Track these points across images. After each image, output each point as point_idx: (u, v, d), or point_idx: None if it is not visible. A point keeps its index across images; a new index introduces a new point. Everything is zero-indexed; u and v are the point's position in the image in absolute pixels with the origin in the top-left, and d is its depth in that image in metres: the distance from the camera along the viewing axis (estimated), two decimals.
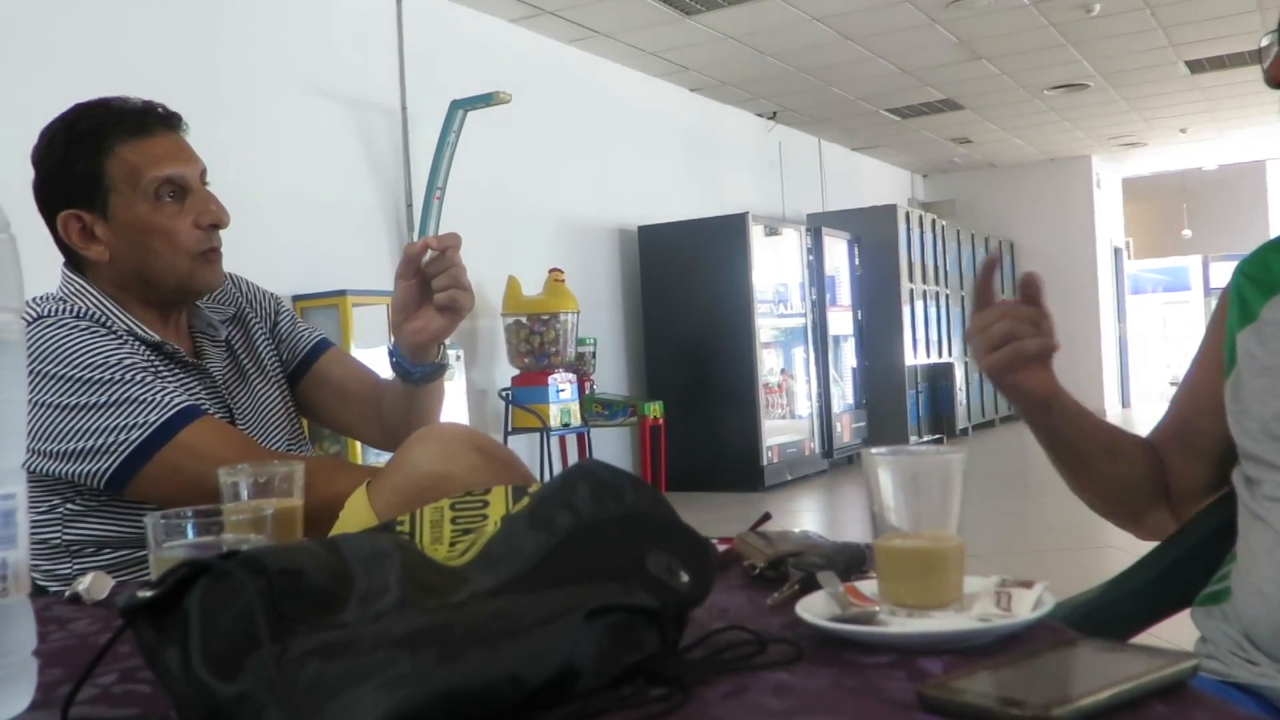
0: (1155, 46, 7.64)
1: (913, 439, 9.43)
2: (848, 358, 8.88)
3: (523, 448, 5.97)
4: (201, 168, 1.52)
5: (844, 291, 8.92)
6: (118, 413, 1.33)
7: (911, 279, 9.77)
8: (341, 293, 4.82)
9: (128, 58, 4.28)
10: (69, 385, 1.33)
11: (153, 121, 1.47)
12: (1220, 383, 1.20)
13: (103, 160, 1.42)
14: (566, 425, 5.88)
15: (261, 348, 1.67)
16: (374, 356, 4.95)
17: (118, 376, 1.35)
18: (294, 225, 4.93)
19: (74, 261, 1.50)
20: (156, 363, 1.45)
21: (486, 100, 5.22)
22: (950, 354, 10.59)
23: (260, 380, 1.64)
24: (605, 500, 0.80)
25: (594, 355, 6.56)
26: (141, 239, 1.45)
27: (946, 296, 10.67)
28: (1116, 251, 13.63)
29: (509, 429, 5.80)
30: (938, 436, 10.10)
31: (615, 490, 0.81)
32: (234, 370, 1.60)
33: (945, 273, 10.70)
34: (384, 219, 5.43)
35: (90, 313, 1.44)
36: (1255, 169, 14.02)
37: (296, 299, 4.88)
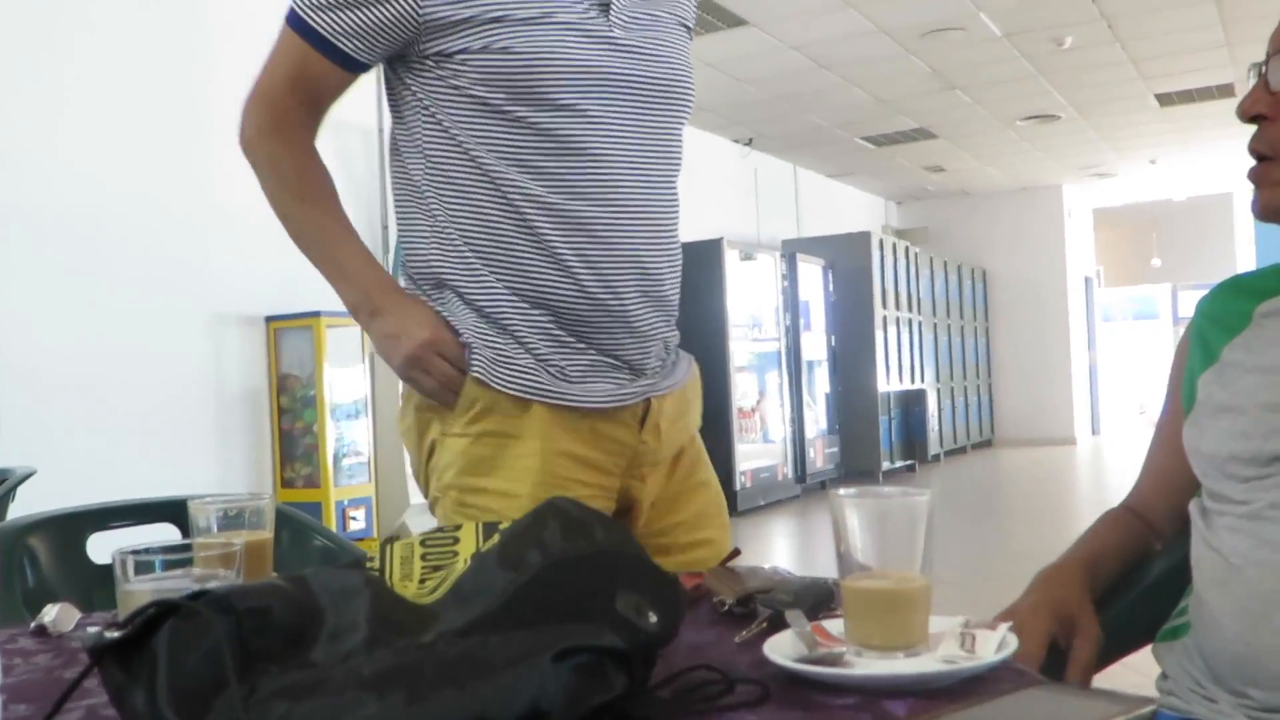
0: (1125, 79, 7.75)
1: (885, 464, 9.47)
2: (821, 383, 8.92)
3: None
4: None
5: (818, 317, 8.96)
6: None
7: (885, 305, 9.83)
8: (316, 314, 4.81)
9: (113, 67, 4.27)
10: None
11: None
12: (1182, 425, 1.21)
13: None
14: None
15: None
16: (350, 376, 4.97)
17: None
18: (269, 245, 4.89)
19: None
20: None
21: None
22: (923, 380, 10.65)
23: (668, 22, 1.45)
24: (575, 538, 0.80)
25: None
26: None
27: (919, 323, 10.75)
28: (1087, 279, 13.77)
29: None
30: (910, 463, 10.15)
31: (585, 527, 0.82)
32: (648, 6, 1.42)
33: (919, 299, 10.78)
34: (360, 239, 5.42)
35: None
36: (1223, 200, 14.21)
37: (270, 319, 4.87)
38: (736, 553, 1.17)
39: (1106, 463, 11.17)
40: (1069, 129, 9.30)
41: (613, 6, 1.35)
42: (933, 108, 8.37)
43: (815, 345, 8.80)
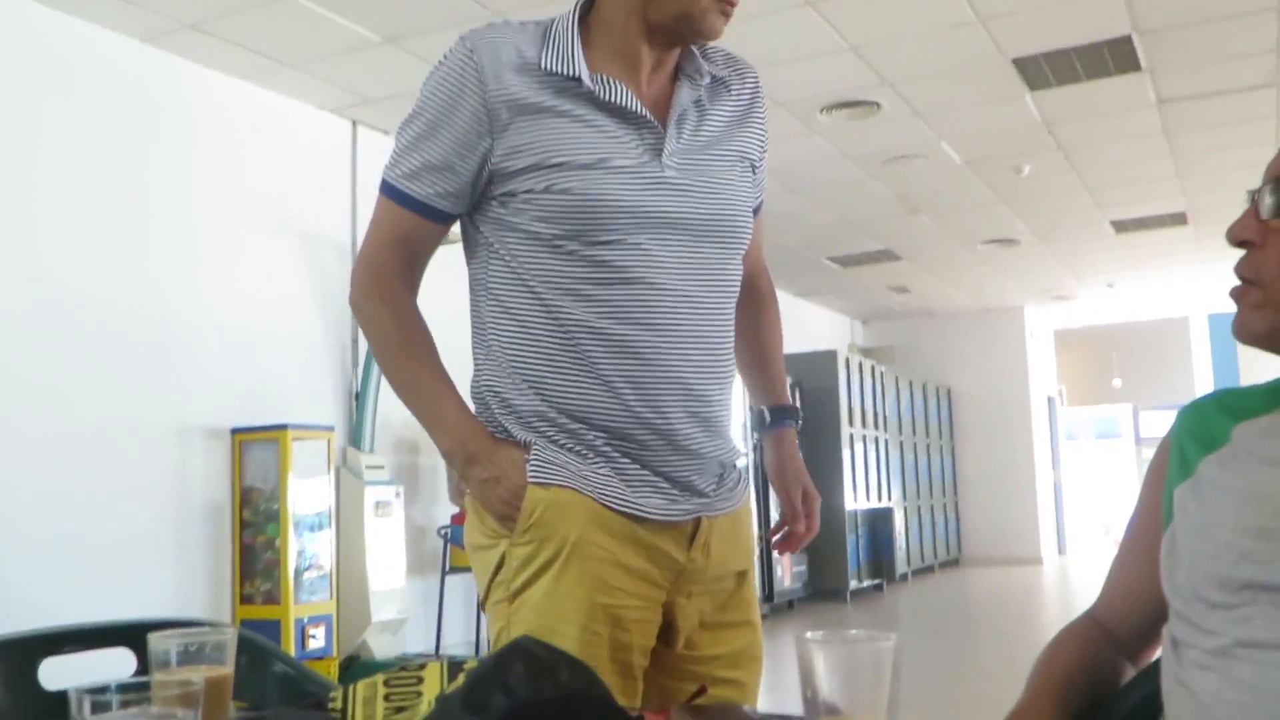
0: (1081, 206, 7.97)
1: (853, 583, 9.41)
2: None
3: (459, 588, 5.87)
4: None
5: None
6: (397, 141, 1.51)
7: (851, 423, 9.88)
8: (282, 427, 4.78)
9: (82, 179, 4.30)
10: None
11: None
12: (1159, 538, 1.21)
13: None
14: None
15: (734, 131, 1.58)
16: (314, 487, 4.92)
17: (416, 113, 1.49)
18: (237, 356, 4.91)
19: None
20: (529, 102, 1.43)
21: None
22: (890, 498, 10.65)
23: (725, 163, 1.53)
24: (541, 680, 0.80)
25: None
26: None
27: (886, 441, 10.80)
28: (1050, 399, 13.92)
29: (446, 568, 5.71)
30: (878, 581, 10.09)
31: (551, 669, 0.81)
32: (701, 128, 1.53)
33: (885, 418, 10.85)
34: (329, 353, 5.43)
35: (542, 39, 1.46)
36: (1180, 324, 14.51)
37: (235, 431, 4.83)
38: (703, 690, 1.16)
39: (1073, 584, 11.14)
40: (1029, 253, 9.52)
41: (664, 151, 1.45)
42: (897, 230, 8.55)
43: None
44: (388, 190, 1.51)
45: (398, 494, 5.37)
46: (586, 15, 1.51)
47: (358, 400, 5.43)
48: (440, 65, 1.48)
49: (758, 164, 1.61)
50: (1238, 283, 1.16)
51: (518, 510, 1.41)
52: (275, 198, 5.19)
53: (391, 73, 4.99)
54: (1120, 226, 8.64)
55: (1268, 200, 1.12)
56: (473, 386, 1.54)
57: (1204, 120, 6.10)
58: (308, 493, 4.88)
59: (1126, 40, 4.94)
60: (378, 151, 5.73)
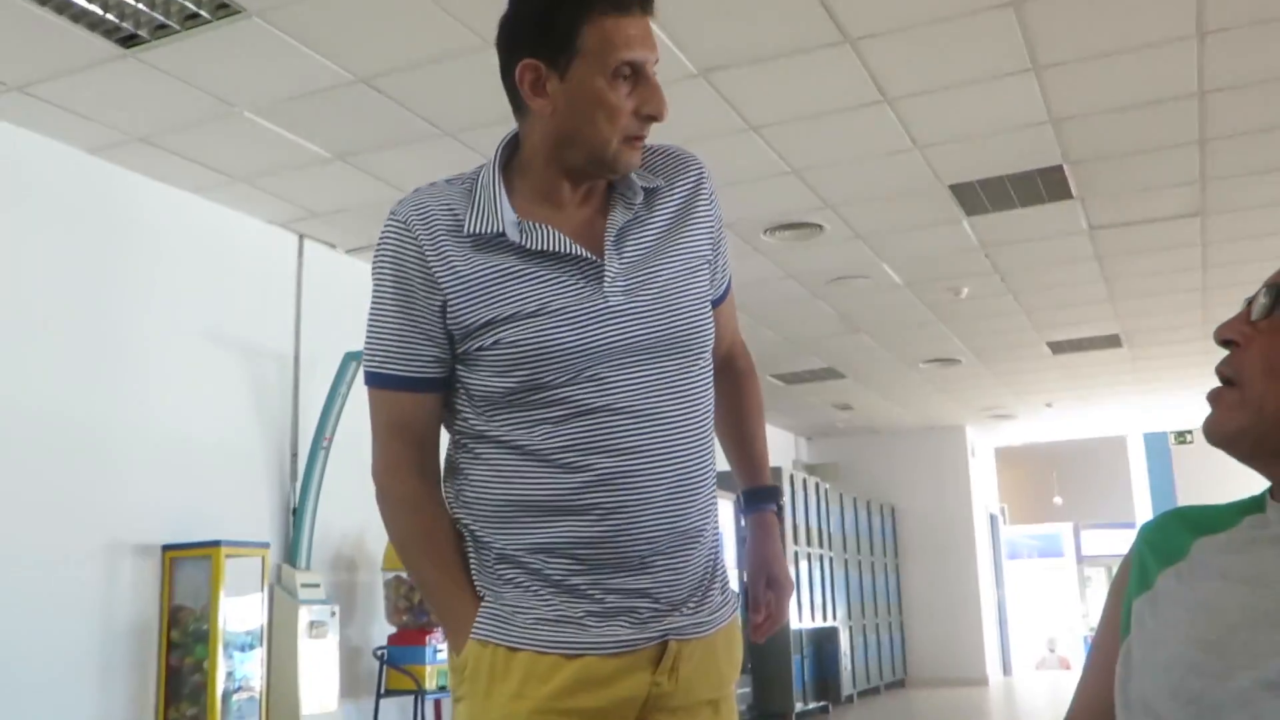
0: (1019, 328, 8.15)
1: (799, 705, 9.25)
2: None
3: (395, 712, 5.68)
4: (657, 57, 1.48)
5: (731, 553, 8.93)
6: (367, 332, 1.52)
7: (797, 541, 9.85)
8: (215, 543, 4.66)
9: (24, 289, 4.24)
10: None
11: (630, 2, 1.45)
12: (1118, 651, 1.20)
13: (582, 24, 1.42)
14: (443, 688, 5.63)
15: (680, 233, 1.58)
16: (247, 605, 4.78)
17: (374, 298, 1.51)
18: (172, 471, 4.80)
19: (515, 105, 1.51)
20: (462, 266, 1.46)
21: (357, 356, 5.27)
22: (835, 618, 10.57)
23: (674, 272, 1.53)
24: None
25: None
26: (587, 109, 1.45)
27: (831, 559, 10.76)
28: (992, 517, 14.01)
29: (382, 691, 5.53)
30: (824, 704, 9.94)
31: None
32: (641, 242, 1.53)
33: (830, 536, 10.83)
34: (266, 467, 5.33)
35: (467, 197, 1.49)
36: (1117, 442, 14.76)
37: (166, 548, 4.69)
38: None
39: (1019, 705, 11.05)
40: (969, 372, 9.68)
41: (605, 280, 1.47)
42: (840, 349, 8.67)
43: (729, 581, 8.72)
44: (371, 380, 1.52)
45: (333, 613, 5.23)
46: (510, 159, 1.54)
47: (295, 515, 5.32)
48: (381, 244, 1.50)
49: (712, 251, 1.62)
50: (1216, 385, 1.17)
51: None
52: (219, 310, 5.15)
53: (340, 187, 5.03)
54: (1057, 348, 8.84)
55: (1262, 301, 1.13)
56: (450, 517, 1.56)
57: (1134, 246, 6.31)
58: (239, 612, 4.74)
59: (1058, 169, 5.12)
60: (324, 264, 5.74)
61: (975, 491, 12.87)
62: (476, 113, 4.31)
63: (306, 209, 5.31)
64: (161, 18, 3.55)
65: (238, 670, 4.67)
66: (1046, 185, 5.31)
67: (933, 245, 6.20)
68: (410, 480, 1.52)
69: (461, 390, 1.50)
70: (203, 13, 3.53)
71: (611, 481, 1.42)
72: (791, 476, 10.07)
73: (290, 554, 5.27)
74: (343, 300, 5.81)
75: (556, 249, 1.46)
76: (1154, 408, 11.58)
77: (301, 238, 5.66)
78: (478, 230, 1.46)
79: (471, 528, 1.49)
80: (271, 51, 3.78)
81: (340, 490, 5.41)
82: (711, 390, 1.57)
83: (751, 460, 1.78)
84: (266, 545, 4.97)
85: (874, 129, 4.61)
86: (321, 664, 5.10)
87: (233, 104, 4.19)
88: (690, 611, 1.47)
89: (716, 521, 1.56)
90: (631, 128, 1.46)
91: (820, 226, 5.81)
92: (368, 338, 1.51)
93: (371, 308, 1.51)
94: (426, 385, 1.50)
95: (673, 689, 1.44)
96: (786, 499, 9.70)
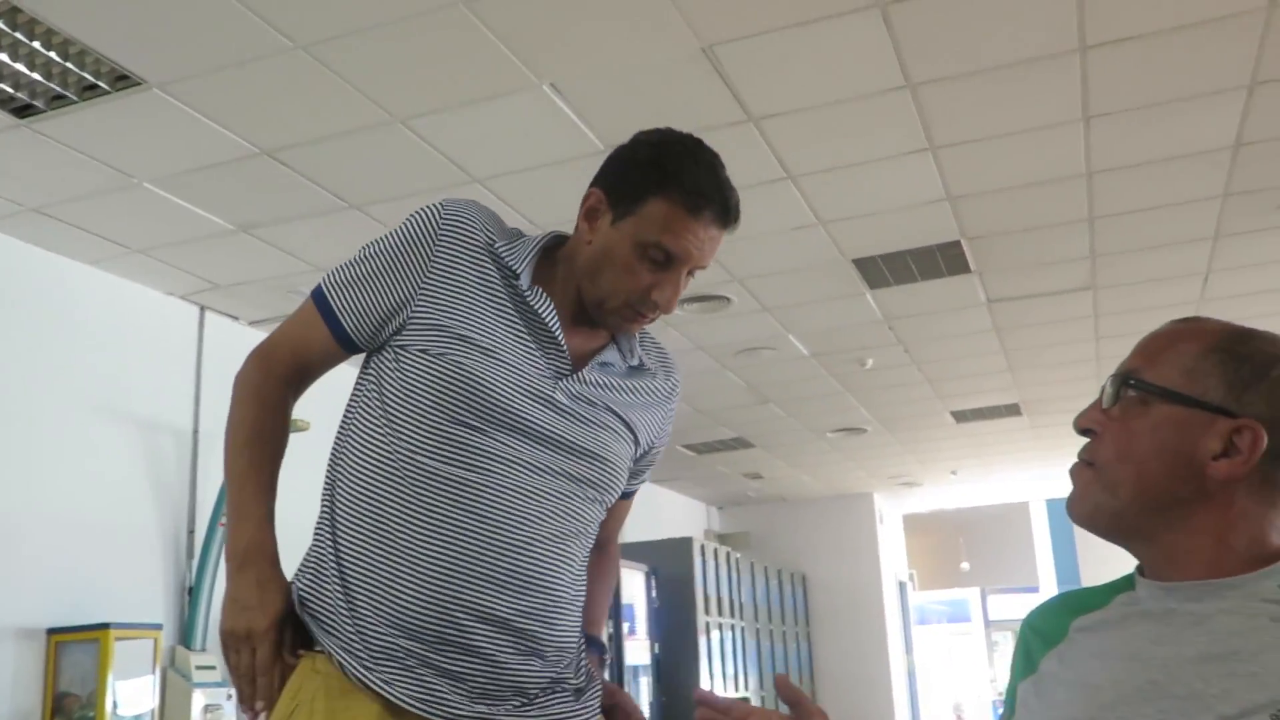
0: (923, 398, 8.31)
1: None
2: (645, 691, 8.70)
3: None
4: (699, 265, 1.56)
5: (641, 623, 8.86)
6: (352, 260, 1.58)
7: (708, 611, 9.81)
8: (104, 626, 4.48)
9: None
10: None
11: (707, 207, 1.52)
12: None
13: (652, 192, 1.51)
14: None
15: (634, 408, 1.64)
16: (137, 689, 4.59)
17: (367, 253, 1.56)
18: (58, 550, 4.61)
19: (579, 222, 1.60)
20: (484, 287, 1.52)
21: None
22: (747, 688, 10.51)
23: (613, 419, 1.59)
24: None
25: None
26: (610, 260, 1.53)
27: (742, 629, 10.73)
28: (901, 584, 14.14)
29: None
30: None
31: None
32: (612, 385, 1.60)
33: (741, 605, 10.81)
34: (161, 545, 5.15)
35: (510, 237, 1.57)
36: (1021, 509, 15.06)
37: (51, 632, 4.49)
38: None
39: None
40: (876, 441, 9.82)
41: (565, 380, 1.52)
42: (749, 419, 8.74)
43: (639, 651, 8.65)
44: (317, 295, 1.58)
45: (229, 696, 5.04)
46: (553, 249, 1.62)
47: (191, 595, 5.14)
48: (413, 215, 1.57)
49: (651, 452, 1.72)
50: (1077, 461, 1.22)
51: (235, 654, 1.44)
52: (114, 383, 5.00)
53: (243, 259, 4.95)
54: (960, 416, 9.02)
55: (1109, 391, 1.19)
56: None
57: (1030, 319, 6.50)
58: (129, 696, 4.54)
59: (956, 245, 5.27)
60: (226, 337, 5.62)
61: (884, 558, 12.99)
62: (384, 186, 4.29)
63: (208, 281, 5.21)
64: (59, 88, 3.49)
65: None
66: (945, 260, 5.46)
67: (838, 317, 6.31)
68: (277, 384, 1.57)
69: (383, 385, 1.52)
70: (101, 84, 3.47)
71: (466, 541, 1.42)
72: (703, 546, 10.05)
73: (185, 635, 5.09)
74: None
75: (548, 323, 1.53)
76: (1054, 474, 11.86)
77: (203, 309, 5.55)
78: (501, 254, 1.54)
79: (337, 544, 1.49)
80: (172, 123, 3.73)
81: None
82: (591, 539, 1.60)
83: (590, 616, 1.76)
84: (159, 627, 4.80)
85: (779, 205, 4.70)
86: None
87: (132, 175, 4.12)
88: (516, 711, 1.46)
89: (572, 644, 1.55)
90: (635, 300, 1.54)
91: (728, 299, 5.88)
92: (343, 265, 1.58)
93: (365, 249, 1.57)
94: (344, 338, 1.56)
95: None
96: (698, 569, 9.68)
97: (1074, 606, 1.25)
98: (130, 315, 5.15)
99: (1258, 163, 4.47)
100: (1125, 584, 1.22)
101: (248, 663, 1.44)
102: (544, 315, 1.52)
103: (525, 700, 1.47)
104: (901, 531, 14.64)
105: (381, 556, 1.44)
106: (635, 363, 1.64)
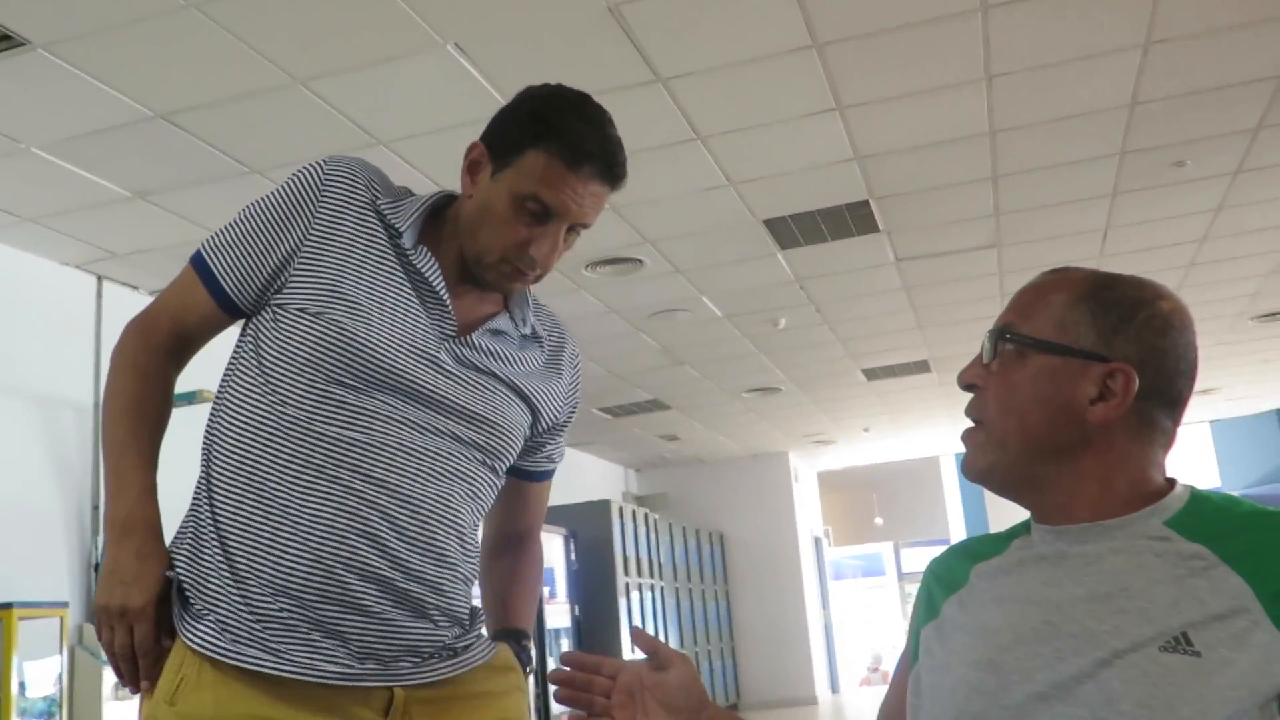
0: (835, 357, 8.43)
1: None
2: None
3: None
4: (580, 221, 1.51)
5: (561, 586, 8.89)
6: (231, 222, 1.52)
7: (627, 572, 9.88)
8: (7, 605, 4.35)
9: None
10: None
11: (587, 161, 1.46)
12: None
13: (530, 144, 1.46)
14: None
15: (530, 378, 1.59)
16: (46, 668, 4.47)
17: (247, 214, 1.51)
18: None
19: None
20: (360, 246, 1.48)
21: (189, 399, 5.02)
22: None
23: (503, 387, 1.54)
24: None
25: None
26: (488, 214, 1.48)
27: (662, 589, 10.83)
28: (817, 540, 14.38)
29: None
30: None
31: None
32: (500, 351, 1.55)
33: (660, 565, 10.90)
34: (64, 522, 5.01)
35: (396, 195, 1.53)
36: (931, 463, 15.40)
37: None
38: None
39: None
40: (789, 401, 9.93)
41: (450, 342, 1.48)
42: (664, 381, 8.78)
43: (560, 615, 8.68)
44: (196, 260, 1.52)
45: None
46: (443, 209, 1.57)
47: (97, 572, 5.02)
48: (295, 174, 1.51)
49: (557, 427, 1.68)
50: (969, 424, 1.24)
51: (109, 630, 1.37)
52: (9, 358, 4.83)
53: (141, 227, 4.81)
54: (871, 374, 9.17)
55: (986, 346, 1.22)
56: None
57: (938, 277, 6.61)
58: (37, 677, 4.43)
59: (865, 204, 5.33)
60: (126, 307, 5.46)
61: (800, 516, 13.19)
62: (286, 150, 4.19)
63: (105, 250, 5.05)
64: None
65: None
66: (855, 219, 5.52)
67: (750, 278, 6.35)
68: (155, 355, 1.51)
69: (251, 353, 1.47)
70: None
71: (347, 500, 1.38)
72: (621, 509, 10.11)
73: (93, 613, 4.97)
74: None
75: (432, 282, 1.48)
76: (962, 429, 12.13)
77: (100, 279, 5.38)
78: (386, 213, 1.49)
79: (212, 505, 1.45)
80: (59, 86, 3.59)
81: None
82: (482, 507, 1.56)
83: (509, 608, 1.70)
84: (65, 605, 4.68)
85: (689, 166, 4.70)
86: None
87: (18, 140, 3.96)
88: (412, 669, 1.43)
89: (463, 614, 1.52)
90: (512, 255, 1.49)
91: (640, 261, 5.88)
92: (223, 228, 1.52)
93: (245, 210, 1.52)
94: (226, 302, 1.49)
95: None
96: (616, 531, 9.73)
97: (974, 553, 1.28)
98: (24, 287, 4.97)
99: (1152, 121, 4.59)
100: (1022, 529, 1.25)
101: (123, 641, 1.37)
102: (428, 275, 1.48)
103: (417, 661, 1.43)
104: (816, 489, 14.88)
105: (260, 517, 1.38)
106: (528, 331, 1.61)
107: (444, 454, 1.46)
